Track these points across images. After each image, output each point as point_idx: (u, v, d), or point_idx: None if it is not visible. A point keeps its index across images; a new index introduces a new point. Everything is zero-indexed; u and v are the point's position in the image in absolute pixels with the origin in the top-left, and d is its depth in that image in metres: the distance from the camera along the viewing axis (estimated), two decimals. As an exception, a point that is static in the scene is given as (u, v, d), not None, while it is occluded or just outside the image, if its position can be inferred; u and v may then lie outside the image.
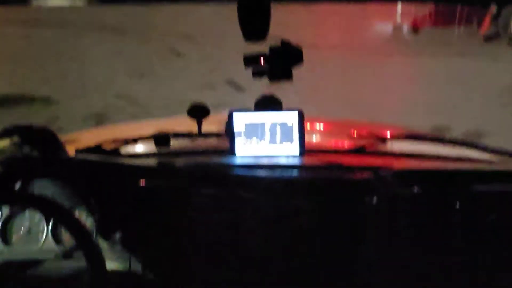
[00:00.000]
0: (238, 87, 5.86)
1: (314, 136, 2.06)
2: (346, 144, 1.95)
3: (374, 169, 1.57)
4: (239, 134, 1.77)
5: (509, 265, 1.49)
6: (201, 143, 1.91)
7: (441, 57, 7.20)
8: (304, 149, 1.76)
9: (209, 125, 1.86)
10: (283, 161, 1.73)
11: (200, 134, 1.81)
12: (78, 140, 2.06)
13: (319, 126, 2.09)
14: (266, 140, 1.77)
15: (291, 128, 1.75)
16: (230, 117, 1.78)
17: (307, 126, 1.79)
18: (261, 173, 1.63)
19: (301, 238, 1.53)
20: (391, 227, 1.50)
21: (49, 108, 5.46)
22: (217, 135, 1.87)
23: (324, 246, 1.53)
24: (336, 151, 1.88)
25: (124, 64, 6.77)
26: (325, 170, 1.64)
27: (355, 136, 1.92)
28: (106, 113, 5.33)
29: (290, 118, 1.74)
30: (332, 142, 2.04)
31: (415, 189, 1.51)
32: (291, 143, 1.76)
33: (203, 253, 1.58)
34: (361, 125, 2.11)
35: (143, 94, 5.83)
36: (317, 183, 1.57)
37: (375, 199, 1.51)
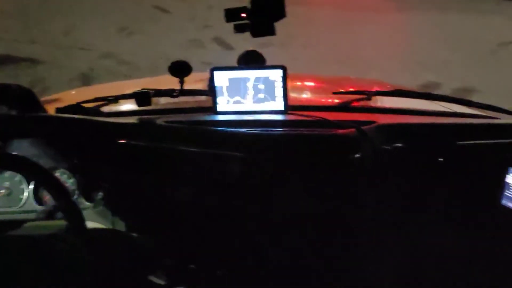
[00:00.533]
0: (226, 46, 5.79)
1: (298, 93, 2.01)
2: (331, 100, 1.90)
3: (358, 125, 1.55)
4: (222, 91, 1.74)
5: (492, 219, 1.48)
6: (183, 101, 1.87)
7: (433, 13, 7.12)
8: (288, 106, 1.74)
9: (195, 84, 1.82)
10: (266, 118, 1.70)
11: (182, 92, 1.77)
12: (61, 99, 2.04)
13: (304, 82, 2.06)
14: (249, 97, 1.74)
15: (274, 84, 1.71)
16: (212, 74, 1.74)
17: (292, 82, 1.76)
18: (244, 130, 1.60)
19: (287, 197, 1.52)
20: (375, 183, 1.49)
21: (35, 68, 5.38)
22: (200, 92, 1.83)
23: (309, 204, 1.52)
24: (321, 108, 1.84)
25: (111, 22, 6.64)
26: (309, 126, 1.62)
27: (341, 92, 1.87)
28: (93, 73, 5.26)
29: (274, 74, 1.71)
30: (317, 99, 2.00)
31: (399, 144, 1.49)
32: (275, 100, 1.73)
33: (186, 212, 1.56)
34: (347, 81, 2.08)
35: (130, 52, 5.74)
36: (301, 140, 1.54)
37: (359, 155, 1.49)
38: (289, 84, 1.73)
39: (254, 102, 1.74)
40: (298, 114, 1.70)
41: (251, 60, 1.76)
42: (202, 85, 1.81)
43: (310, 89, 2.07)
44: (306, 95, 2.04)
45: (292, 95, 1.74)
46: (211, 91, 1.75)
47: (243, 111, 1.75)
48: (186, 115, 1.79)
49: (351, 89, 1.88)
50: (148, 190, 1.55)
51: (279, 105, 1.74)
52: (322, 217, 1.52)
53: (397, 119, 1.76)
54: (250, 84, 1.73)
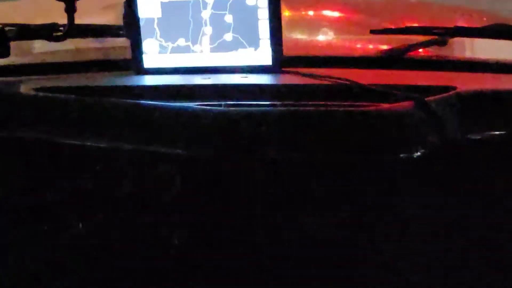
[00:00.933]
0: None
1: (303, 32, 1.44)
2: (367, 47, 1.39)
3: (419, 94, 1.03)
4: (151, 29, 1.14)
5: None
6: (75, 47, 1.34)
7: None
8: (281, 58, 1.18)
9: (97, 14, 1.39)
10: (239, 82, 1.15)
11: (71, 29, 1.14)
12: None
13: (314, 12, 1.40)
14: (205, 40, 1.13)
15: (255, 15, 1.14)
16: None
17: (290, 12, 1.32)
18: (197, 106, 1.04)
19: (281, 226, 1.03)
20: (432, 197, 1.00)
21: None
22: (108, 31, 1.28)
23: (327, 232, 1.02)
24: (347, 61, 1.29)
25: None
26: (324, 98, 1.07)
27: (387, 31, 1.32)
28: None
29: None
30: (340, 44, 1.39)
31: (499, 132, 1.00)
32: (256, 46, 1.15)
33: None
34: (399, 9, 1.41)
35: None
36: (308, 125, 1.00)
37: (419, 152, 0.98)
38: (285, 15, 1.30)
39: (214, 49, 1.15)
40: (302, 74, 1.16)
41: None
42: (111, 18, 1.40)
43: (326, 23, 1.42)
44: (318, 37, 1.37)
45: (290, 36, 1.27)
46: (130, 28, 1.15)
47: (193, 68, 1.16)
48: (79, 76, 1.24)
49: (407, 25, 1.32)
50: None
51: (264, 55, 1.15)
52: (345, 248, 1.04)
53: (496, 82, 1.21)
54: (206, 14, 1.11)
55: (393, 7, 1.52)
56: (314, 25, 1.44)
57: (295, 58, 1.25)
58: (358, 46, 1.34)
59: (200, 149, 1.00)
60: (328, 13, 1.45)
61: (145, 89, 1.15)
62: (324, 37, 1.41)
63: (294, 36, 1.34)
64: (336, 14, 1.44)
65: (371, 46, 1.36)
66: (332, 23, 1.41)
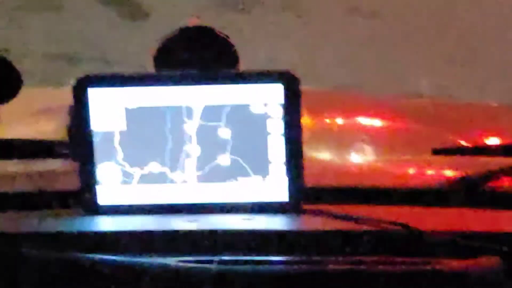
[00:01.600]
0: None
1: (332, 150, 1.21)
2: (426, 173, 1.15)
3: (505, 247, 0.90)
4: (110, 149, 0.92)
5: None
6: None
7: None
8: (302, 190, 0.95)
9: (29, 124, 1.23)
10: (239, 227, 0.93)
11: None
12: None
13: (343, 121, 1.20)
14: (188, 166, 0.92)
15: (262, 128, 0.91)
16: (82, 96, 0.93)
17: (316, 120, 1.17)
18: (178, 263, 0.86)
19: None
20: None
21: None
22: (45, 148, 1.08)
23: None
24: (398, 195, 1.06)
25: None
26: (371, 250, 0.88)
27: (457, 150, 1.13)
28: None
29: (263, 98, 0.91)
30: (384, 167, 1.17)
31: None
32: (265, 174, 0.92)
33: None
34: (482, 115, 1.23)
35: None
36: None
37: None
38: (308, 122, 1.06)
39: (203, 179, 0.94)
40: (334, 215, 0.94)
41: (199, 54, 0.98)
42: (46, 128, 1.21)
43: (362, 135, 1.21)
44: (350, 157, 1.17)
45: (310, 156, 1.04)
46: (78, 146, 0.92)
47: (172, 206, 0.95)
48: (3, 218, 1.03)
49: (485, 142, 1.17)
50: None
51: (277, 187, 0.94)
52: None
53: None
54: (191, 128, 0.90)
55: (467, 112, 1.30)
56: (345, 139, 1.23)
57: (321, 191, 1.04)
58: (411, 171, 1.12)
59: None
60: (365, 121, 1.24)
61: (97, 237, 0.93)
62: (360, 157, 1.20)
63: (316, 157, 1.12)
64: (377, 122, 1.22)
65: (430, 172, 1.12)
66: (372, 136, 1.20)
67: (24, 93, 1.02)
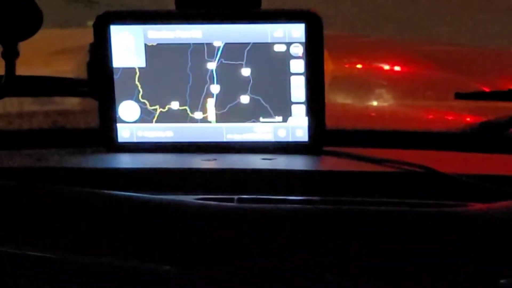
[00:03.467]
0: None
1: (349, 94, 1.22)
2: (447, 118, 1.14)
3: None
4: (130, 86, 0.91)
5: None
6: (18, 111, 1.15)
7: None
8: (323, 132, 0.94)
9: (50, 63, 1.22)
10: (258, 166, 0.91)
11: (10, 84, 0.94)
12: None
13: (362, 66, 1.20)
14: (209, 105, 0.91)
15: (285, 68, 0.89)
16: (104, 33, 0.91)
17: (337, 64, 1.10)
18: (195, 200, 0.84)
19: None
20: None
21: None
22: (67, 88, 1.04)
23: None
24: (418, 138, 1.05)
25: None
26: (381, 191, 0.85)
27: (480, 95, 1.07)
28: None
29: (284, 36, 0.88)
30: (404, 112, 1.19)
31: None
32: (286, 114, 0.90)
33: None
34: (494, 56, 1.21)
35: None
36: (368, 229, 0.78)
37: None
38: (330, 67, 1.02)
39: (223, 118, 0.93)
40: (353, 156, 0.93)
41: None
42: (65, 68, 1.22)
43: (383, 82, 1.18)
44: (372, 102, 1.15)
45: (332, 100, 1.07)
46: (98, 83, 0.94)
47: (191, 144, 0.96)
48: (22, 155, 1.02)
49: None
50: None
51: (298, 128, 0.93)
52: None
53: None
54: (212, 65, 0.90)
55: (491, 58, 1.28)
56: (366, 85, 1.22)
57: (341, 133, 1.05)
58: (433, 115, 1.11)
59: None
60: (386, 67, 1.22)
61: (118, 174, 0.92)
62: (381, 102, 1.18)
63: (337, 100, 1.11)
64: (397, 68, 1.20)
65: (452, 117, 1.10)
66: (392, 82, 1.18)
67: (42, 34, 1.01)
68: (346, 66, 1.21)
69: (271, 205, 0.83)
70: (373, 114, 1.16)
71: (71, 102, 1.21)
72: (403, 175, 0.90)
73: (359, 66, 1.24)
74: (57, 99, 1.23)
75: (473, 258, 0.78)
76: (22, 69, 0.94)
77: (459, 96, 1.05)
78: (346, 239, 0.77)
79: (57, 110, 1.10)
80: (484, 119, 1.06)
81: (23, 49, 0.97)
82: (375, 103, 1.19)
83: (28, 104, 1.23)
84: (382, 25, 3.59)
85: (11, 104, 1.12)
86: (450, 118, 1.08)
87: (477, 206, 0.86)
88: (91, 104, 0.96)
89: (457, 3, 3.87)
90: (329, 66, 0.98)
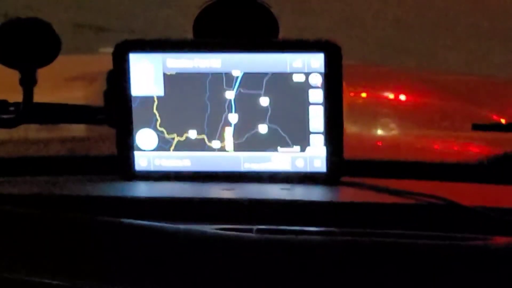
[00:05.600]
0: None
1: (372, 123, 1.20)
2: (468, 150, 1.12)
3: None
4: (148, 114, 0.90)
5: None
6: (35, 138, 1.12)
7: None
8: (341, 162, 0.93)
9: (67, 88, 1.21)
10: (276, 196, 0.89)
11: (26, 110, 0.92)
12: None
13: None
14: (227, 134, 0.89)
15: (303, 98, 0.88)
16: (123, 61, 0.89)
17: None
18: (212, 230, 0.83)
19: None
20: None
21: None
22: (83, 116, 1.03)
23: None
24: (438, 169, 1.02)
25: None
26: (402, 224, 0.83)
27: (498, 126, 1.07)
28: None
29: (303, 66, 0.87)
30: (420, 142, 1.14)
31: None
32: (304, 144, 0.89)
33: None
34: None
35: None
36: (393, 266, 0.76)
37: None
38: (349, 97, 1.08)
39: (241, 147, 0.92)
40: (374, 187, 0.91)
41: (239, 21, 0.94)
42: (80, 94, 1.21)
43: (404, 111, 1.17)
44: (391, 131, 1.13)
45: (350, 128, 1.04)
46: (116, 111, 0.90)
47: (209, 174, 0.91)
48: (36, 182, 1.01)
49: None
50: None
51: (316, 158, 0.90)
52: None
53: None
54: (230, 95, 0.87)
55: (505, 89, 1.25)
56: (380, 115, 1.19)
57: (358, 164, 1.01)
58: (450, 147, 1.09)
59: None
60: (402, 97, 1.20)
61: (134, 203, 0.90)
62: (395, 132, 1.16)
63: (352, 130, 1.09)
64: (411, 98, 1.18)
65: (470, 148, 1.08)
66: (406, 112, 1.16)
67: (56, 60, 1.01)
68: (363, 96, 1.20)
69: (291, 236, 0.82)
70: (388, 144, 1.15)
71: (83, 129, 1.19)
72: (424, 207, 0.87)
73: (373, 95, 1.23)
74: (67, 125, 1.22)
75: None
76: (37, 95, 0.93)
77: (477, 127, 1.03)
78: (370, 272, 0.76)
79: (73, 137, 1.09)
80: (500, 151, 1.05)
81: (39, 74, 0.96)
82: (390, 133, 1.18)
83: (35, 131, 1.22)
84: (389, 55, 3.58)
85: (17, 130, 1.10)
86: (469, 148, 1.07)
87: (502, 239, 0.84)
88: (110, 131, 0.95)
89: (464, 31, 3.85)
90: (346, 96, 0.97)
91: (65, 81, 1.34)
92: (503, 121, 1.18)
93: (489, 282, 0.75)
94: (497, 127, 1.08)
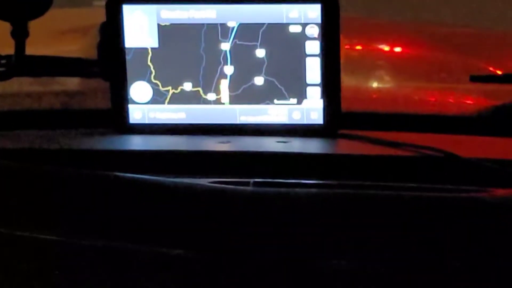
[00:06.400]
0: None
1: (368, 74, 1.19)
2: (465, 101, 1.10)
3: None
4: (142, 67, 0.89)
5: None
6: (27, 91, 1.10)
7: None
8: (338, 114, 0.92)
9: (59, 42, 1.21)
10: (273, 149, 0.89)
11: (19, 62, 0.91)
12: None
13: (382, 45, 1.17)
14: (222, 86, 0.88)
15: (300, 49, 0.86)
16: (116, 12, 0.88)
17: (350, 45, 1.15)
18: (208, 183, 0.81)
19: None
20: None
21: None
22: (76, 68, 1.00)
23: None
24: (435, 121, 1.01)
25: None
26: (399, 176, 0.83)
27: (492, 77, 1.05)
28: None
29: (300, 16, 0.86)
30: (416, 94, 1.14)
31: None
32: (301, 96, 0.87)
33: None
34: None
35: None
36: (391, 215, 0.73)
37: None
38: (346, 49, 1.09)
39: (237, 100, 0.90)
40: (371, 139, 0.90)
41: None
42: (74, 47, 1.18)
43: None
44: (389, 83, 1.12)
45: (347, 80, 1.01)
46: (109, 64, 0.91)
47: (204, 126, 0.92)
48: (30, 136, 0.98)
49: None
50: None
51: (313, 110, 0.89)
52: None
53: None
54: (226, 46, 0.88)
55: (503, 40, 1.24)
56: (378, 67, 1.18)
57: (355, 116, 1.00)
58: (447, 99, 1.08)
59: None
60: (397, 49, 1.19)
61: (129, 156, 0.89)
62: (393, 84, 1.15)
63: (349, 82, 1.08)
64: (409, 50, 1.17)
65: (467, 100, 1.07)
66: (405, 64, 1.15)
67: (47, 13, 0.99)
68: (359, 48, 1.19)
69: (289, 189, 0.81)
70: (386, 96, 1.14)
71: (76, 83, 1.18)
72: (421, 159, 0.87)
73: (370, 48, 1.22)
74: (61, 79, 1.20)
75: (496, 244, 0.76)
76: (30, 48, 0.91)
77: (474, 79, 1.02)
78: (365, 224, 0.76)
79: (67, 90, 1.07)
80: (498, 102, 1.04)
81: (31, 27, 0.94)
82: (387, 86, 1.17)
83: (28, 84, 1.20)
84: (384, 6, 3.53)
85: (11, 85, 1.08)
86: (466, 100, 1.06)
87: (500, 191, 0.84)
88: (103, 84, 0.93)
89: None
90: (342, 48, 0.96)
91: (59, 35, 1.33)
92: (499, 73, 1.18)
93: (489, 234, 0.75)
94: (495, 78, 1.07)
